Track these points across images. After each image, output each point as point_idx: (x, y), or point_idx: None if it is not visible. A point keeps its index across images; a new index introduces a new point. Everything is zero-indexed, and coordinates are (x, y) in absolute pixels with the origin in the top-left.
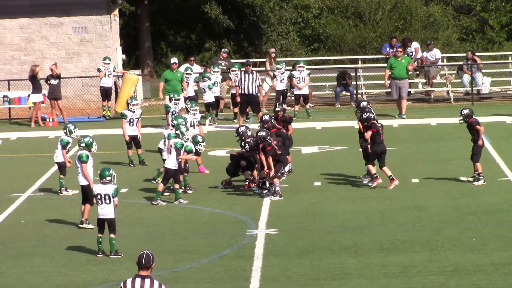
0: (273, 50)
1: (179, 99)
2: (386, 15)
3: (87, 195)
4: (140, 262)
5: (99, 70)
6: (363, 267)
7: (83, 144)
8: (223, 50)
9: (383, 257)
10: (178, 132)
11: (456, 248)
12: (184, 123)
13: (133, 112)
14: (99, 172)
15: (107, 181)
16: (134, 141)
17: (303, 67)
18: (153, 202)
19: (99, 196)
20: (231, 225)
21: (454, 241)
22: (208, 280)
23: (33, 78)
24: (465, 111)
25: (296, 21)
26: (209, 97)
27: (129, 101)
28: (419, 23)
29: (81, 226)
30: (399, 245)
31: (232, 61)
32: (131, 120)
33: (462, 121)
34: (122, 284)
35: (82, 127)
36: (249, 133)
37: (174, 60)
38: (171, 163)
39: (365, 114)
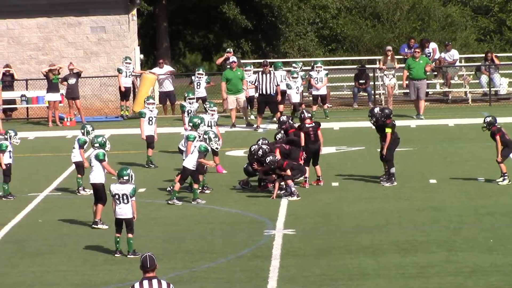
0: (389, 47)
1: (193, 99)
2: (404, 15)
3: (100, 194)
4: (145, 266)
5: (119, 70)
6: (380, 268)
7: (97, 144)
8: (227, 50)
9: (400, 258)
10: (206, 137)
11: (474, 248)
12: (204, 123)
13: (151, 110)
14: (116, 171)
15: (125, 180)
16: (148, 141)
17: (321, 67)
18: (169, 202)
19: (117, 196)
20: (248, 225)
21: (472, 242)
22: (226, 280)
23: (47, 78)
24: (488, 119)
25: (314, 21)
26: (295, 98)
27: (145, 99)
28: (437, 24)
29: (95, 227)
30: (416, 245)
31: (250, 61)
32: (150, 119)
33: (485, 129)
34: None
35: (100, 127)
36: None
37: (233, 59)
38: (190, 163)
39: (386, 110)
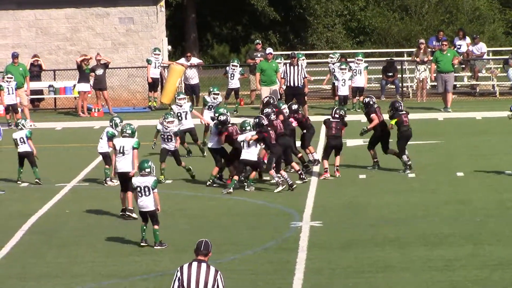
0: (422, 40)
1: (218, 94)
2: (432, 8)
3: (128, 182)
4: (198, 248)
5: (149, 61)
6: (406, 260)
7: (129, 131)
8: (256, 42)
9: (426, 251)
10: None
11: (500, 242)
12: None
13: (215, 99)
14: (138, 164)
15: (146, 173)
16: (206, 129)
17: (361, 60)
18: (223, 191)
19: (138, 189)
20: (275, 217)
21: (498, 235)
22: (252, 272)
23: (79, 67)
24: None
25: (342, 13)
26: (342, 90)
27: (211, 90)
28: (465, 17)
29: (129, 214)
30: (442, 238)
31: (277, 53)
32: (210, 107)
33: (511, 118)
34: (179, 268)
35: (127, 117)
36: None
37: (269, 50)
38: (252, 155)
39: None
